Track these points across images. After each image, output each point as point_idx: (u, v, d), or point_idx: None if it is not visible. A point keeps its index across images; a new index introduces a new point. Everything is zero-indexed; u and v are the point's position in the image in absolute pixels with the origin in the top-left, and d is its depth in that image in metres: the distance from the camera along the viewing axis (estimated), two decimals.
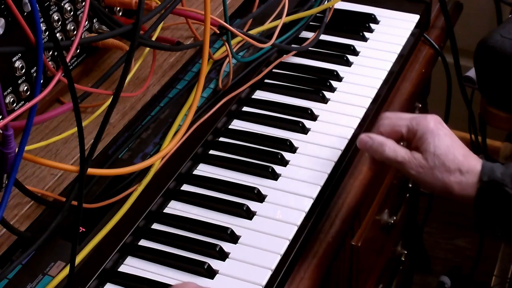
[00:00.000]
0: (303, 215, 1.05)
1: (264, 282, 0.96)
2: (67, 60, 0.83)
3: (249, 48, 1.30)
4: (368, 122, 1.23)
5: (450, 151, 1.05)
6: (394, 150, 1.06)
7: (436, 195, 1.10)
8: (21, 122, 0.85)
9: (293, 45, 1.34)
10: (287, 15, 1.28)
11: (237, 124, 1.20)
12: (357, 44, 1.37)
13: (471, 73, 1.65)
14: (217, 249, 0.99)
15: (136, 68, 1.16)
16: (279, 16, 1.30)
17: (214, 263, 0.98)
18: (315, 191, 1.08)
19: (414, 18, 1.43)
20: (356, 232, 1.26)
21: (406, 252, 1.68)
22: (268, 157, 1.13)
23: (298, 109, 1.22)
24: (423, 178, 1.06)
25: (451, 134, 1.08)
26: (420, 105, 1.57)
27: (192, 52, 1.28)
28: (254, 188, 1.08)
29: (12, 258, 0.94)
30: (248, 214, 1.05)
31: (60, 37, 1.08)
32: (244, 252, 1.00)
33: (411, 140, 1.08)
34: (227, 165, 1.13)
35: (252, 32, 1.25)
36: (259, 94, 1.27)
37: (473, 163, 1.05)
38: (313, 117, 1.22)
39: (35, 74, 1.02)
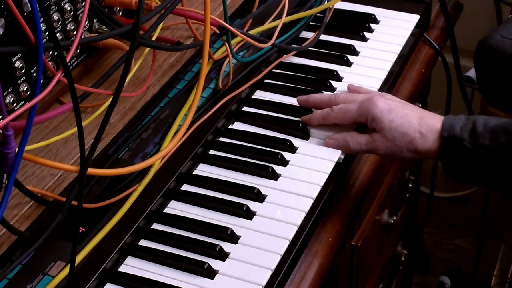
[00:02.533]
0: (303, 215, 1.05)
1: (264, 282, 0.96)
2: (67, 60, 0.83)
3: (249, 48, 1.30)
4: None
5: (404, 120, 1.10)
6: (357, 141, 1.13)
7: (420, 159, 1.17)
8: (21, 122, 0.85)
9: (293, 45, 1.34)
10: (287, 15, 1.28)
11: (237, 124, 1.20)
12: (357, 44, 1.37)
13: (471, 73, 1.65)
14: (217, 249, 0.99)
15: (136, 68, 1.16)
16: (279, 16, 1.30)
17: (214, 263, 0.98)
18: (315, 191, 1.08)
19: (414, 18, 1.43)
20: (356, 232, 1.26)
21: (406, 252, 1.68)
22: (268, 157, 1.13)
23: (299, 109, 1.22)
24: (392, 153, 1.12)
25: (402, 103, 1.14)
26: (420, 105, 1.57)
27: (192, 52, 1.28)
28: (254, 188, 1.08)
29: (12, 258, 0.94)
30: (248, 214, 1.05)
31: (60, 37, 1.08)
32: (244, 252, 1.00)
33: (364, 122, 1.14)
34: (227, 165, 1.12)
35: (252, 32, 1.25)
36: (259, 94, 1.27)
37: (431, 122, 1.10)
38: None
39: (35, 74, 1.02)
